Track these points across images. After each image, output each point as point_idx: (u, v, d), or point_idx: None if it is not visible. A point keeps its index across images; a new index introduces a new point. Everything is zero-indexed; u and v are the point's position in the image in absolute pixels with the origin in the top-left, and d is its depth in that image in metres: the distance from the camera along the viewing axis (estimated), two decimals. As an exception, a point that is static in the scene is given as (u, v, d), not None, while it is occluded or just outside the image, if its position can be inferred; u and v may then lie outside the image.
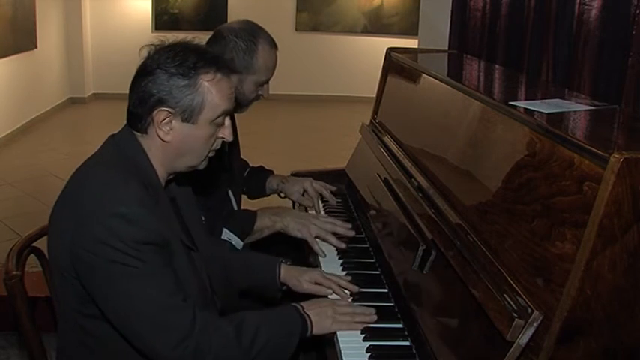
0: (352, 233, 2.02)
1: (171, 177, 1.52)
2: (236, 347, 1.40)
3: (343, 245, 1.98)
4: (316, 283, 1.71)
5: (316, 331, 1.51)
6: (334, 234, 1.99)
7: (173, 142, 1.42)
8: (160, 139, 1.42)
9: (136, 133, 1.44)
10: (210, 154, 1.50)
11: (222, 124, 1.47)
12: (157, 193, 1.43)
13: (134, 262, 1.32)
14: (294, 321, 1.50)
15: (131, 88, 1.42)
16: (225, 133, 1.48)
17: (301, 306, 1.54)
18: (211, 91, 1.41)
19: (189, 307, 1.38)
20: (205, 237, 1.67)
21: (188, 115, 1.40)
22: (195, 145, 1.45)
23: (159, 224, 1.37)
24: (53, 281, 1.50)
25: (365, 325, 1.55)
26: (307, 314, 1.51)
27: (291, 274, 1.73)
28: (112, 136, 1.50)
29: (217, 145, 1.50)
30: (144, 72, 1.40)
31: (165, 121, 1.40)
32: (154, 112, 1.39)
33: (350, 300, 1.67)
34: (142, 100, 1.39)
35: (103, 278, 1.34)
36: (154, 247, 1.35)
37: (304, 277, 1.72)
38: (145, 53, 1.43)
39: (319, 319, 1.52)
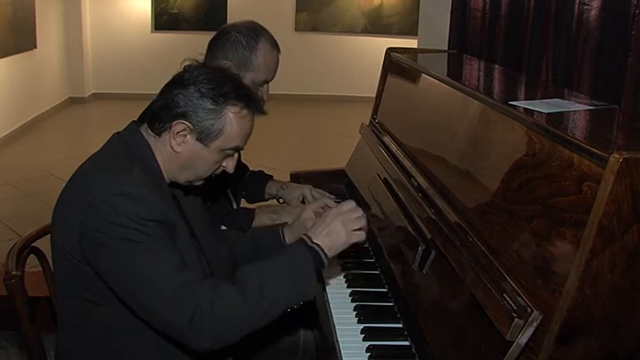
0: None
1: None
2: (242, 303, 1.36)
3: None
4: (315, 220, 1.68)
5: (332, 253, 1.48)
6: None
7: (181, 155, 1.48)
8: (171, 147, 1.47)
9: (148, 131, 1.49)
10: (211, 176, 1.55)
11: (231, 155, 1.53)
12: (159, 185, 1.47)
13: (140, 237, 1.34)
14: (304, 258, 1.44)
15: (163, 91, 1.48)
16: (229, 164, 1.54)
17: (308, 237, 1.48)
18: (232, 123, 1.46)
19: (197, 280, 1.38)
20: (208, 234, 1.68)
21: (203, 137, 1.46)
22: (200, 164, 1.50)
23: (163, 204, 1.41)
24: (56, 273, 1.51)
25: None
26: (316, 244, 1.47)
27: (295, 228, 1.76)
28: (117, 132, 1.55)
29: (219, 171, 1.55)
30: (179, 83, 1.46)
31: (181, 132, 1.45)
32: (175, 122, 1.45)
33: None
34: (168, 107, 1.45)
35: (112, 257, 1.36)
36: (159, 224, 1.38)
37: (304, 217, 1.76)
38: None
39: (331, 240, 1.48)
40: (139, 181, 1.39)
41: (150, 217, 1.36)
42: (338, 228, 1.49)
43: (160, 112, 1.46)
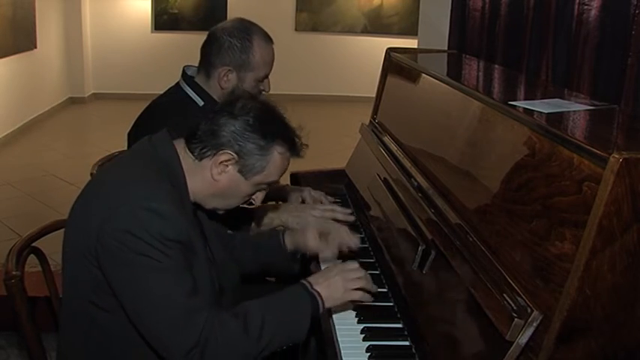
0: (352, 218, 2.03)
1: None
2: (245, 340, 1.40)
3: None
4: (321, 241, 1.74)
5: (328, 304, 1.51)
6: (334, 220, 2.00)
7: (219, 183, 1.47)
8: (211, 174, 1.46)
9: (186, 151, 1.47)
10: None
11: (263, 190, 1.54)
12: (184, 200, 1.46)
13: (158, 256, 1.34)
14: (303, 302, 1.49)
15: (211, 116, 1.46)
16: (258, 197, 1.56)
17: (309, 282, 1.52)
18: (276, 163, 1.47)
19: (205, 307, 1.39)
20: (221, 247, 1.68)
21: (246, 171, 1.46)
22: (234, 194, 1.51)
23: (187, 224, 1.40)
24: (66, 271, 1.50)
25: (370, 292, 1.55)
26: (316, 290, 1.50)
27: (296, 239, 1.77)
28: (149, 137, 1.52)
29: (245, 203, 1.56)
30: (230, 112, 1.45)
31: (224, 162, 1.44)
32: (221, 151, 1.44)
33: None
34: (215, 134, 1.44)
35: (126, 269, 1.35)
36: (179, 245, 1.37)
37: (308, 236, 1.75)
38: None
39: (329, 292, 1.51)
40: (167, 198, 1.38)
41: (172, 237, 1.35)
42: (338, 284, 1.53)
43: (206, 137, 1.44)
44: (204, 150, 1.45)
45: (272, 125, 1.46)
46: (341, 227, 1.77)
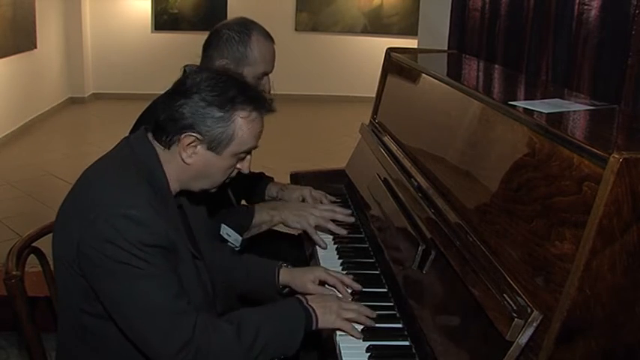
0: (352, 219, 2.03)
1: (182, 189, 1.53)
2: (237, 347, 1.40)
3: (344, 232, 1.99)
4: (320, 283, 1.71)
5: (320, 325, 1.51)
6: (334, 221, 2.00)
7: (193, 166, 1.44)
8: (182, 159, 1.43)
9: (155, 142, 1.46)
10: (226, 181, 1.53)
11: (244, 158, 1.50)
12: (165, 200, 1.44)
13: (139, 263, 1.33)
14: (298, 315, 1.49)
15: (165, 102, 1.44)
16: (244, 166, 1.52)
17: (305, 299, 1.53)
18: (243, 128, 1.43)
19: (192, 310, 1.38)
20: (209, 244, 1.67)
21: (215, 146, 1.42)
22: (214, 172, 1.47)
23: (167, 228, 1.38)
24: (57, 279, 1.51)
25: (367, 326, 1.54)
26: (311, 306, 1.51)
27: (294, 276, 1.72)
28: (127, 138, 1.51)
29: (233, 174, 1.52)
30: (181, 92, 1.42)
31: (191, 144, 1.42)
32: (183, 135, 1.40)
33: (351, 299, 1.67)
34: (174, 119, 1.41)
35: (109, 278, 1.35)
36: (160, 250, 1.36)
37: (308, 277, 1.71)
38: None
39: (323, 312, 1.51)
40: (144, 202, 1.36)
41: (151, 242, 1.34)
42: (333, 308, 1.52)
43: (166, 124, 1.42)
44: (168, 137, 1.42)
45: (227, 92, 1.41)
46: (337, 281, 1.70)
